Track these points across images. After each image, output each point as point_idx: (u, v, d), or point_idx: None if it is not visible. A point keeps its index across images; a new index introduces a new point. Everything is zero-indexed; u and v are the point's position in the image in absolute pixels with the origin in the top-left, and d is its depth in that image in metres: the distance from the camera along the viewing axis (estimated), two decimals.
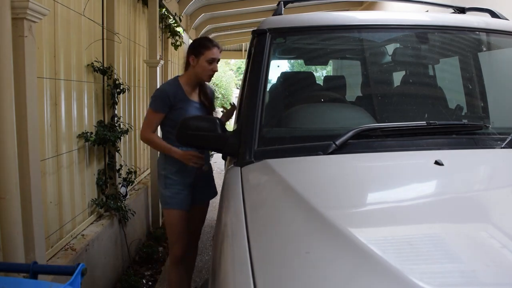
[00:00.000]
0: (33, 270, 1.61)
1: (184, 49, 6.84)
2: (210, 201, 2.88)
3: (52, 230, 2.55)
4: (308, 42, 2.06)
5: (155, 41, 4.49)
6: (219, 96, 17.12)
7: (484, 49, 2.01)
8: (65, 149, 2.72)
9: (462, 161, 1.47)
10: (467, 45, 1.97)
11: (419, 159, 1.43)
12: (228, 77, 19.58)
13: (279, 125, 1.78)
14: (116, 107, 3.52)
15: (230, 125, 3.00)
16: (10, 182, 1.82)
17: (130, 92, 4.13)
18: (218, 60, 2.54)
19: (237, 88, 17.90)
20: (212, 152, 4.12)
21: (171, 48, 6.20)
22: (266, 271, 0.84)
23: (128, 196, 3.82)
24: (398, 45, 2.04)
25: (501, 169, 1.43)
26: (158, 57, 4.54)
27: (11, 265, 1.78)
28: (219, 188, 2.07)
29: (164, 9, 5.28)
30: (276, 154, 1.49)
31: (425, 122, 1.53)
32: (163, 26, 5.67)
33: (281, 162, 1.44)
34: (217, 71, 2.56)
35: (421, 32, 1.88)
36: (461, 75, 2.02)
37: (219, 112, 12.49)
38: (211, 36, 9.63)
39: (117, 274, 3.46)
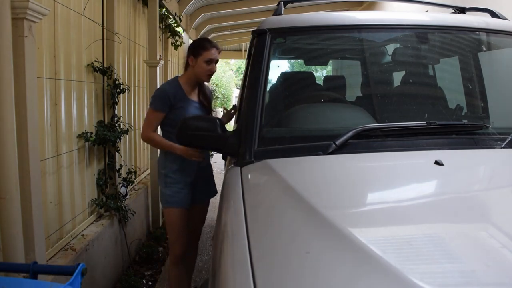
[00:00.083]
0: (33, 270, 1.61)
1: (184, 49, 6.84)
2: (210, 201, 2.89)
3: (52, 230, 2.55)
4: (308, 42, 2.06)
5: (155, 41, 4.49)
6: (219, 96, 17.12)
7: (484, 49, 2.01)
8: (65, 149, 2.72)
9: (462, 161, 1.47)
10: (467, 45, 1.97)
11: (419, 159, 1.43)
12: (228, 77, 19.59)
13: (279, 125, 1.78)
14: (116, 107, 3.52)
15: (230, 125, 3.00)
16: (10, 182, 1.82)
17: (130, 92, 4.13)
18: (217, 61, 2.56)
19: (237, 88, 17.91)
20: (212, 152, 4.12)
21: (171, 48, 6.20)
22: (266, 271, 0.84)
23: (128, 196, 3.83)
24: (398, 45, 2.03)
25: (501, 169, 1.43)
26: (158, 57, 4.54)
27: (11, 265, 1.78)
28: (219, 187, 2.07)
29: (164, 9, 5.28)
30: (276, 154, 1.49)
31: (425, 122, 1.53)
32: (163, 26, 5.67)
33: (281, 162, 1.44)
34: (215, 71, 2.58)
35: (421, 32, 1.88)
36: (461, 75, 2.02)
37: (219, 112, 12.50)
38: (211, 36, 9.63)
39: (117, 274, 3.47)
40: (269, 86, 1.87)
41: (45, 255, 2.22)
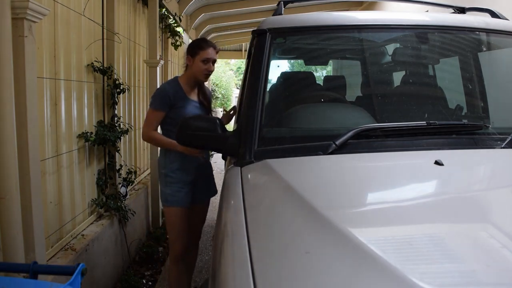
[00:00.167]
0: (33, 270, 1.61)
1: (184, 49, 6.84)
2: (210, 201, 2.89)
3: (52, 230, 2.55)
4: (308, 42, 2.06)
5: (155, 41, 4.49)
6: (219, 96, 17.12)
7: (484, 49, 2.01)
8: (65, 149, 2.72)
9: (462, 161, 1.47)
10: (467, 45, 1.97)
11: (419, 159, 1.43)
12: (228, 77, 19.58)
13: (279, 125, 1.78)
14: (116, 107, 3.52)
15: (230, 126, 3.00)
16: (10, 182, 1.82)
17: (130, 92, 4.13)
18: (215, 61, 2.58)
19: (237, 88, 17.91)
20: (212, 152, 4.12)
21: (171, 48, 6.20)
22: (266, 271, 0.84)
23: (128, 196, 3.83)
24: (398, 45, 2.03)
25: (501, 169, 1.43)
26: (158, 57, 4.54)
27: (11, 265, 1.78)
28: (219, 187, 2.07)
29: (164, 9, 5.28)
30: (276, 154, 1.49)
31: (425, 122, 1.53)
32: (163, 26, 5.67)
33: (281, 162, 1.44)
34: (212, 70, 2.60)
35: (421, 32, 1.88)
36: (461, 75, 2.02)
37: (219, 112, 12.49)
38: (211, 36, 9.63)
39: (117, 274, 3.46)
40: (269, 86, 1.87)
41: (45, 255, 2.22)
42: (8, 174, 1.82)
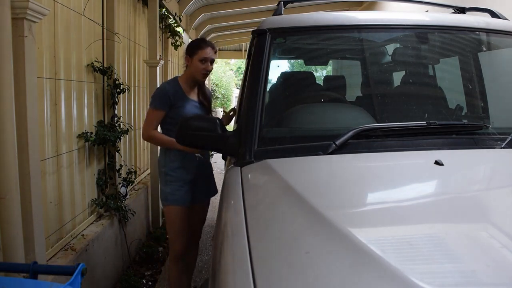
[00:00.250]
0: (33, 270, 1.61)
1: (184, 49, 6.84)
2: (210, 201, 2.89)
3: (52, 230, 2.55)
4: (308, 42, 2.06)
5: (155, 41, 4.49)
6: (219, 96, 17.12)
7: (484, 49, 2.01)
8: (65, 149, 2.72)
9: (462, 161, 1.47)
10: (467, 45, 1.97)
11: (419, 159, 1.43)
12: (228, 77, 19.58)
13: (279, 125, 1.78)
14: (116, 107, 3.52)
15: (230, 127, 3.00)
16: (10, 182, 1.83)
17: (130, 92, 4.13)
18: (213, 60, 2.60)
19: (237, 88, 17.91)
20: (212, 152, 4.12)
21: (171, 48, 6.20)
22: (266, 271, 0.84)
23: (128, 196, 3.83)
24: (398, 45, 2.03)
25: (501, 169, 1.43)
26: (158, 57, 4.54)
27: (11, 265, 1.78)
28: (219, 187, 2.07)
29: (164, 9, 5.28)
30: (276, 154, 1.49)
31: (425, 122, 1.53)
32: (163, 26, 5.67)
33: (281, 162, 1.44)
34: (210, 70, 2.62)
35: (421, 32, 1.88)
36: (461, 75, 2.02)
37: (219, 113, 12.49)
38: (211, 36, 9.63)
39: (117, 274, 3.46)
40: (269, 86, 1.87)
41: (45, 255, 2.22)
42: (8, 174, 1.82)
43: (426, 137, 1.53)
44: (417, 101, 1.83)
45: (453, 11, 2.29)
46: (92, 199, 3.19)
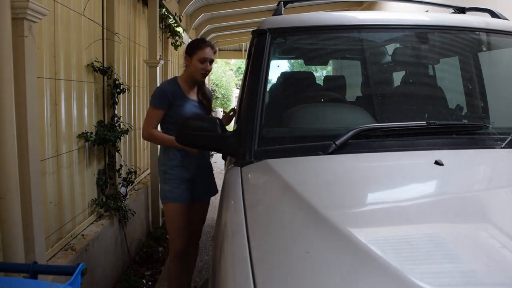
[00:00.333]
0: (33, 270, 1.61)
1: (184, 49, 6.83)
2: (210, 201, 2.90)
3: (52, 230, 2.55)
4: (308, 42, 2.06)
5: (155, 41, 4.49)
6: (219, 96, 17.12)
7: (484, 49, 2.01)
8: (65, 149, 2.72)
9: (462, 161, 1.47)
10: (467, 45, 1.97)
11: (419, 159, 1.43)
12: (228, 77, 19.57)
13: (279, 125, 1.78)
14: (116, 107, 3.52)
15: (230, 127, 3.00)
16: (10, 182, 1.82)
17: (130, 92, 4.13)
18: (212, 60, 2.62)
19: (237, 88, 17.91)
20: (212, 152, 4.12)
21: (171, 48, 6.20)
22: (266, 271, 0.84)
23: (128, 196, 3.83)
24: (398, 45, 2.03)
25: (501, 169, 1.43)
26: (158, 57, 4.54)
27: (11, 265, 1.78)
28: (219, 187, 2.07)
29: (164, 9, 5.28)
30: (276, 154, 1.49)
31: (425, 122, 1.53)
32: (163, 26, 5.67)
33: (281, 162, 1.44)
34: (209, 70, 2.63)
35: (421, 32, 1.88)
36: (461, 75, 2.02)
37: (219, 113, 12.49)
38: (211, 36, 9.63)
39: (117, 274, 3.46)
40: (269, 86, 1.87)
41: (45, 255, 2.21)
42: (8, 174, 1.82)
43: (426, 137, 1.53)
44: (417, 101, 1.83)
45: (453, 11, 2.29)
46: (92, 199, 3.19)
